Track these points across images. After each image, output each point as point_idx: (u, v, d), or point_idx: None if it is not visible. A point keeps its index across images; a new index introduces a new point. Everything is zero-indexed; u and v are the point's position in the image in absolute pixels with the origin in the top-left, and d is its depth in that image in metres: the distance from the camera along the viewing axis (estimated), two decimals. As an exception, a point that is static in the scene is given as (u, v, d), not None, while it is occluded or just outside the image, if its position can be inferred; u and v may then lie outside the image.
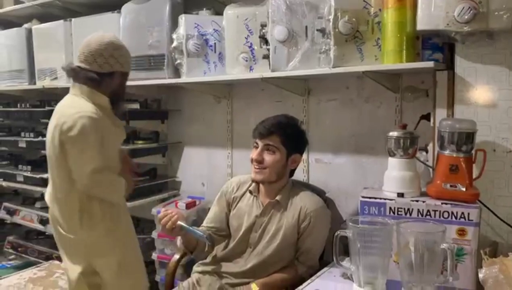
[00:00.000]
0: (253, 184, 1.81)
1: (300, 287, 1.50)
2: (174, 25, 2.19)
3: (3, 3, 3.20)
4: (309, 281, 1.55)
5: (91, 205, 1.66)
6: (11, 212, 3.05)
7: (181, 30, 2.10)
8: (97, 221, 1.67)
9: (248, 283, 1.68)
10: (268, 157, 1.71)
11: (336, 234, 1.35)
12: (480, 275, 1.13)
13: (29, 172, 2.88)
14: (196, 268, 1.87)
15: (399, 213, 1.39)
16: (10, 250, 3.10)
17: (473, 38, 1.48)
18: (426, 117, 1.75)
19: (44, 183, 2.61)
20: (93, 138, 1.54)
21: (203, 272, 1.82)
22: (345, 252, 1.38)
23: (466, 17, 1.40)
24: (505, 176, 1.50)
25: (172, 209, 1.79)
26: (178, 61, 2.16)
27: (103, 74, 1.54)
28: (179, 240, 1.82)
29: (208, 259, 1.86)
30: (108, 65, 1.49)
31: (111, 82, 1.54)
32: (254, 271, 1.72)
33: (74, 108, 1.61)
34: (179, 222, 1.61)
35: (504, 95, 1.49)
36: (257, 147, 1.73)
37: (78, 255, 1.71)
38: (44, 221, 2.76)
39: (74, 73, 1.65)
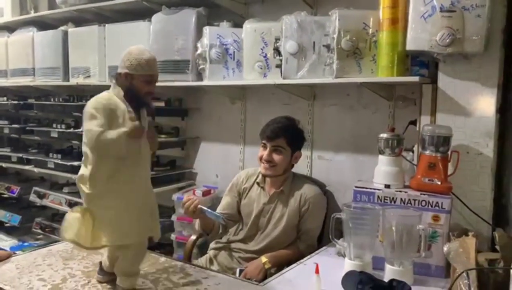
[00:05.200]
0: (260, 177, 2.06)
1: (302, 260, 1.75)
2: (198, 34, 2.40)
3: (38, 6, 3.48)
4: (308, 256, 1.80)
5: None
6: (41, 196, 3.22)
7: (205, 40, 2.33)
8: None
9: (258, 257, 1.93)
10: (276, 157, 1.96)
11: (332, 216, 1.60)
12: (445, 249, 1.37)
13: (59, 160, 3.06)
14: (212, 245, 2.12)
15: (385, 201, 1.63)
16: (39, 231, 3.29)
17: (452, 58, 1.71)
18: (414, 122, 1.95)
19: (73, 170, 2.82)
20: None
21: (219, 249, 2.08)
22: (339, 235, 1.63)
23: (446, 41, 1.63)
24: (476, 174, 1.72)
25: (194, 196, 2.05)
26: (201, 66, 2.38)
27: (118, 74, 1.59)
28: (197, 224, 2.03)
29: (224, 240, 2.10)
30: (120, 68, 1.55)
31: (121, 80, 1.55)
32: (264, 250, 1.96)
33: None
34: (199, 206, 1.82)
35: (477, 106, 1.72)
36: (265, 147, 1.98)
37: None
38: (72, 204, 2.90)
39: None
